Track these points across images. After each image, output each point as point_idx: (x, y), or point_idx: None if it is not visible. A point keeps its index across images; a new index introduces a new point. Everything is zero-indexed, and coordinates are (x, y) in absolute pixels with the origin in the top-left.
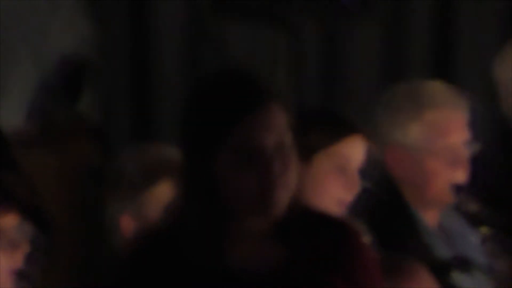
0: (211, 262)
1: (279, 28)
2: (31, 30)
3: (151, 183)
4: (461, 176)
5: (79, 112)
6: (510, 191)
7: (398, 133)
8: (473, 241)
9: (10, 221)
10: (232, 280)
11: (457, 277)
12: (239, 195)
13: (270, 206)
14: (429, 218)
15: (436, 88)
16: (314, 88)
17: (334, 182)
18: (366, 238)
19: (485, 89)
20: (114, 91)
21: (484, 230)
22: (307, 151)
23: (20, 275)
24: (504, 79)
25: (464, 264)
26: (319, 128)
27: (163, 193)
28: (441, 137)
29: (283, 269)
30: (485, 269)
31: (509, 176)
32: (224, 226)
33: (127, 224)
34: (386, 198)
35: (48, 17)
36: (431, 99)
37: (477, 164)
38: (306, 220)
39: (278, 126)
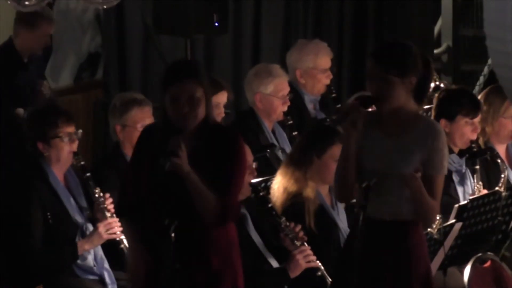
0: (161, 149)
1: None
2: (76, 39)
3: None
4: None
5: None
6: None
7: (262, 88)
8: None
9: None
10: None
11: None
12: (172, 117)
13: (185, 124)
14: None
15: (277, 67)
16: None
17: (217, 112)
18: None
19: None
20: None
21: None
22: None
23: None
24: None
25: None
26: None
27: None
28: (281, 91)
29: (195, 154)
30: None
31: None
32: (170, 130)
33: None
34: None
35: (82, 32)
36: (277, 72)
37: None
38: (211, 128)
39: (190, 88)
